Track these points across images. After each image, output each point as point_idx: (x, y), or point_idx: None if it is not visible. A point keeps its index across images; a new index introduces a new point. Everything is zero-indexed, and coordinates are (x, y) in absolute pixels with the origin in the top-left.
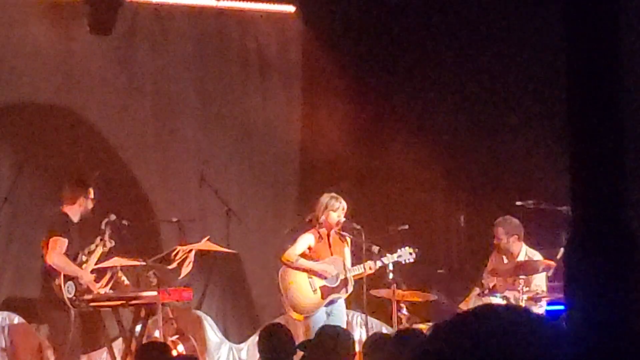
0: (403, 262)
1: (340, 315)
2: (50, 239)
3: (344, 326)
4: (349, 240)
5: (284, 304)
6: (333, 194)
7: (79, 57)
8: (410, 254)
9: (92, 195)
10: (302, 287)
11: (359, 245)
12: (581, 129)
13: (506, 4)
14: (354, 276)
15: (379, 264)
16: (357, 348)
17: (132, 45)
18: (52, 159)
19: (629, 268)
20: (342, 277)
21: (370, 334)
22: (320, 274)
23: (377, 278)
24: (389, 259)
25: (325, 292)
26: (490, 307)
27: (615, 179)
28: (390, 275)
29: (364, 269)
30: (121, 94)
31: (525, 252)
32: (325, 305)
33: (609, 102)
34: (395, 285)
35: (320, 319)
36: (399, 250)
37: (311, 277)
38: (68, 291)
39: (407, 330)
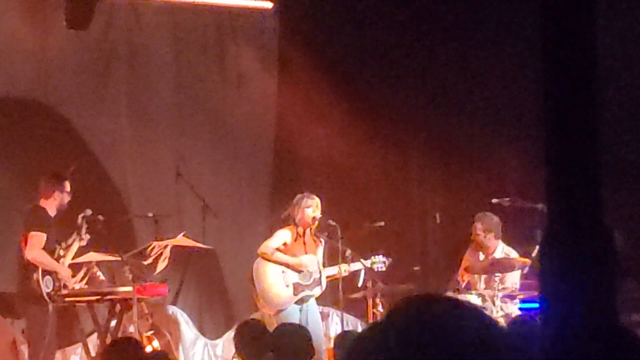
0: (375, 270)
1: (315, 312)
2: (29, 234)
3: (320, 322)
4: (323, 241)
5: (256, 297)
6: (305, 193)
7: (55, 51)
8: (384, 262)
9: (68, 189)
10: (275, 281)
11: (334, 245)
12: (556, 126)
13: (485, 2)
14: (328, 277)
15: (352, 267)
16: (330, 344)
17: (109, 39)
18: (27, 152)
19: (604, 266)
20: (316, 276)
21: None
22: (296, 267)
23: (354, 281)
24: (361, 265)
25: (298, 288)
26: (425, 299)
27: (590, 177)
28: (360, 282)
29: (339, 270)
30: (97, 89)
31: (501, 250)
32: (297, 303)
33: (584, 100)
34: (371, 281)
35: (292, 315)
36: (372, 257)
37: (285, 272)
38: (46, 286)
39: None
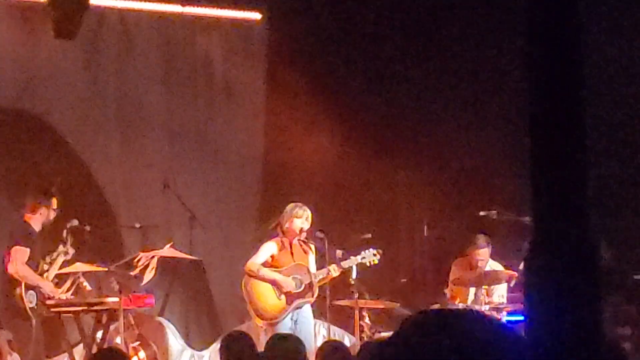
0: (368, 264)
1: (307, 322)
2: (12, 249)
3: (311, 333)
4: (312, 248)
5: (249, 311)
6: (298, 204)
7: (43, 61)
8: (375, 255)
9: (54, 206)
10: (267, 293)
11: (322, 252)
12: (542, 139)
13: (472, 12)
14: (320, 281)
15: (343, 265)
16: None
17: (97, 50)
18: (14, 163)
19: (588, 279)
20: (306, 282)
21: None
22: (282, 286)
23: (340, 288)
24: (353, 261)
25: (291, 297)
26: (444, 312)
27: (575, 190)
28: (354, 274)
29: (329, 271)
30: (85, 99)
31: (489, 265)
32: (291, 311)
33: (570, 112)
34: (358, 294)
35: (285, 325)
36: (362, 252)
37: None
38: (29, 300)
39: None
